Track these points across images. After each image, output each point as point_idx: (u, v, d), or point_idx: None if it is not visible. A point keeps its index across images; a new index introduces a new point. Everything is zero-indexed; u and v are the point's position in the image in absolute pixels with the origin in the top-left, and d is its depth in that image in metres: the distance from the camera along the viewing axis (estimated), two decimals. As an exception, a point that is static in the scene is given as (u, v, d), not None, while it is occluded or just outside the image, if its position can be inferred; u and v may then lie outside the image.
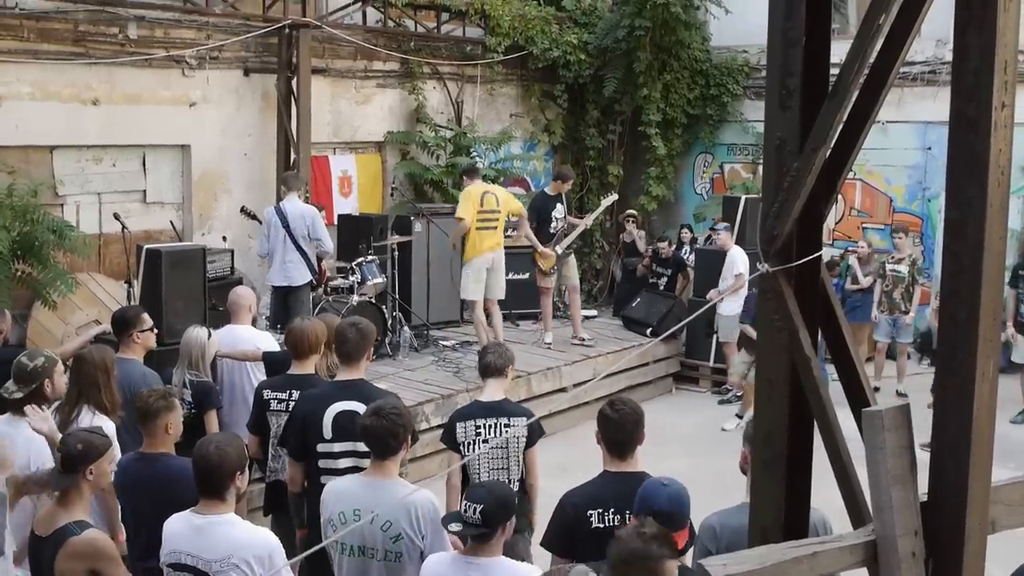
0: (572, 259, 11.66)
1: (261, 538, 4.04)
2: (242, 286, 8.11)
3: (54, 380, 5.10)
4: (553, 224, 11.14)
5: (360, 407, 4.86)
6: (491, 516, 3.81)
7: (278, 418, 5.77)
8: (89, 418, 5.18)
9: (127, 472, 4.77)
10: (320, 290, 10.21)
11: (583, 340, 11.52)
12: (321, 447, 5.15)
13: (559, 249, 11.19)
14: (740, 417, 10.54)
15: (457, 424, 5.63)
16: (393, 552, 4.22)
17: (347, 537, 4.26)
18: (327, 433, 5.14)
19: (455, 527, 3.84)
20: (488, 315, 10.34)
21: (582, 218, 12.02)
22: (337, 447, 5.12)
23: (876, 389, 10.74)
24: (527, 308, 12.19)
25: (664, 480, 3.91)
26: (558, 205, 11.26)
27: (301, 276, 9.57)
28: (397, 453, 4.35)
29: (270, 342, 7.05)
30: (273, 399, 5.82)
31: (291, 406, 5.69)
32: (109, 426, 5.06)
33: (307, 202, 10.08)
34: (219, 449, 4.01)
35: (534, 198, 11.97)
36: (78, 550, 4.00)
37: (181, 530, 4.05)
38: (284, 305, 9.51)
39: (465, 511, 3.83)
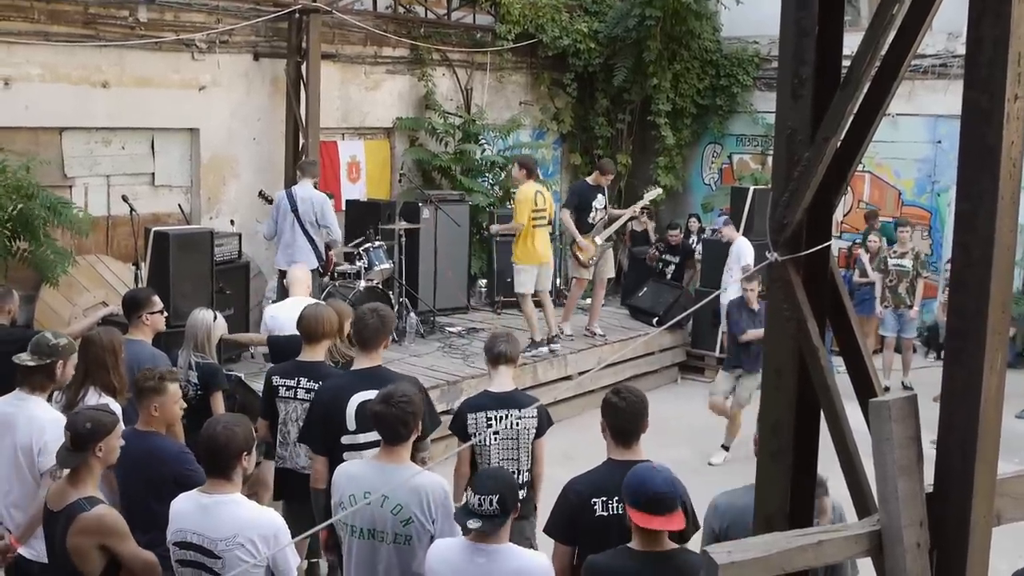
0: (609, 252, 11.58)
1: (267, 518, 4.07)
2: (298, 264, 8.48)
3: (67, 365, 5.13)
4: (592, 214, 11.08)
5: None
6: (507, 503, 3.85)
7: (286, 405, 5.75)
8: (95, 399, 5.18)
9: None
10: (326, 277, 10.23)
11: (595, 333, 11.50)
12: (346, 439, 5.12)
13: (598, 240, 11.17)
14: (727, 449, 9.32)
15: (468, 415, 5.59)
16: (403, 535, 4.22)
17: (357, 519, 4.26)
18: (351, 424, 5.12)
19: (474, 523, 3.82)
20: (539, 304, 10.48)
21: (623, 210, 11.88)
22: (362, 438, 5.08)
23: (886, 389, 10.62)
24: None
25: (656, 465, 3.91)
26: (599, 196, 11.19)
27: (307, 261, 9.57)
28: (408, 440, 4.34)
29: None
30: (281, 385, 5.78)
31: (299, 393, 5.69)
32: (115, 406, 5.07)
33: (315, 188, 10.08)
34: (227, 429, 4.04)
35: (574, 187, 11.92)
36: (87, 526, 4.04)
37: (188, 509, 4.07)
38: (292, 288, 9.50)
39: (480, 504, 3.82)
